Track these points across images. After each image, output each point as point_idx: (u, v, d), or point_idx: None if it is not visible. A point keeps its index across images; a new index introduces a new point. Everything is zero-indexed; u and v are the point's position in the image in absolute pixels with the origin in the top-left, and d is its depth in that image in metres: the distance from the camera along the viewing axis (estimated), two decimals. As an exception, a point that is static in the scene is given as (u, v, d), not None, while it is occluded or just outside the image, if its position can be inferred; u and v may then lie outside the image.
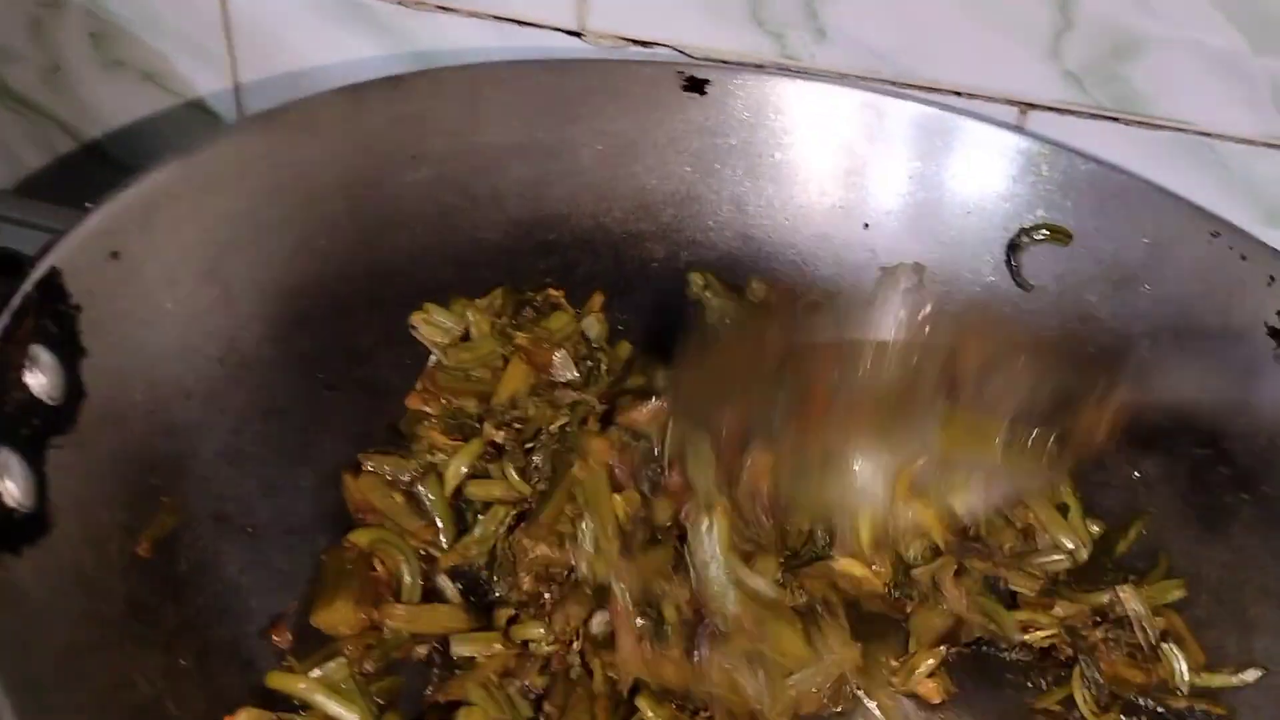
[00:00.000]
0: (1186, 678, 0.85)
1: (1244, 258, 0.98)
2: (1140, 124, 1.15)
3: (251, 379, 0.92)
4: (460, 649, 0.82)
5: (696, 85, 1.11)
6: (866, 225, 1.12)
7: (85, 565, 0.71)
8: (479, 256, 1.07)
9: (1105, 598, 0.90)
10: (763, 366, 0.88)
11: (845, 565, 0.87)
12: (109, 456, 0.79)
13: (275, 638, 0.80)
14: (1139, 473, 0.99)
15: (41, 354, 0.75)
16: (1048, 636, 0.87)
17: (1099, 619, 0.89)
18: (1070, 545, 0.93)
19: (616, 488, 0.88)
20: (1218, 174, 1.16)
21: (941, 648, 0.85)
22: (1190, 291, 1.00)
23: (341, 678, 0.76)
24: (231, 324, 0.92)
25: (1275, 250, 0.97)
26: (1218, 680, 0.85)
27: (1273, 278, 0.96)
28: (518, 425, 0.94)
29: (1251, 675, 0.85)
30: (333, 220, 1.00)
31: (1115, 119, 1.14)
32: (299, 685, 0.75)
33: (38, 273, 0.78)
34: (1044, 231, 1.07)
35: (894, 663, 0.85)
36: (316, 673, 0.76)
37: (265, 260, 0.95)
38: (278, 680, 0.76)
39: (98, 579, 0.72)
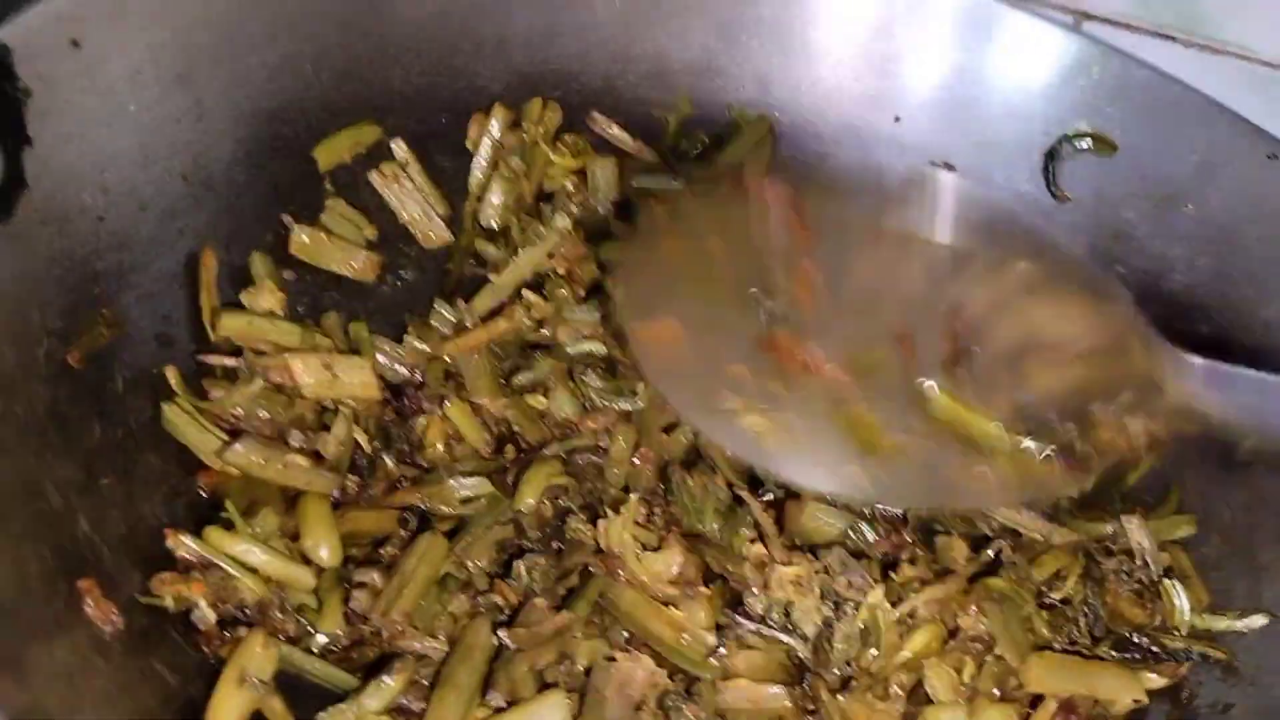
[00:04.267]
0: (1188, 617, 0.79)
1: (1302, 183, 0.90)
2: (1202, 47, 1.07)
3: (216, 201, 0.85)
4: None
5: (730, -50, 1.02)
6: (897, 118, 1.04)
7: (5, 364, 0.65)
8: (475, 106, 0.99)
9: (1109, 527, 0.84)
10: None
11: None
12: (48, 256, 0.72)
13: (202, 481, 0.74)
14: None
15: (-21, 134, 0.68)
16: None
17: (1111, 549, 0.83)
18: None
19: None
20: (1276, 104, 1.08)
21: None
22: (1237, 216, 0.93)
23: (272, 530, 0.70)
24: (200, 139, 0.85)
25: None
26: (1221, 623, 0.80)
27: (1331, 206, 0.88)
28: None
29: (1258, 621, 0.79)
30: (322, 45, 0.92)
31: (1175, 39, 1.07)
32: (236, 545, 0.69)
33: (-17, 46, 0.70)
34: (1087, 140, 0.99)
35: None
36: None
37: (244, 75, 0.87)
38: (214, 535, 0.69)
39: (18, 380, 0.66)
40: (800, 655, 0.73)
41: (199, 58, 0.84)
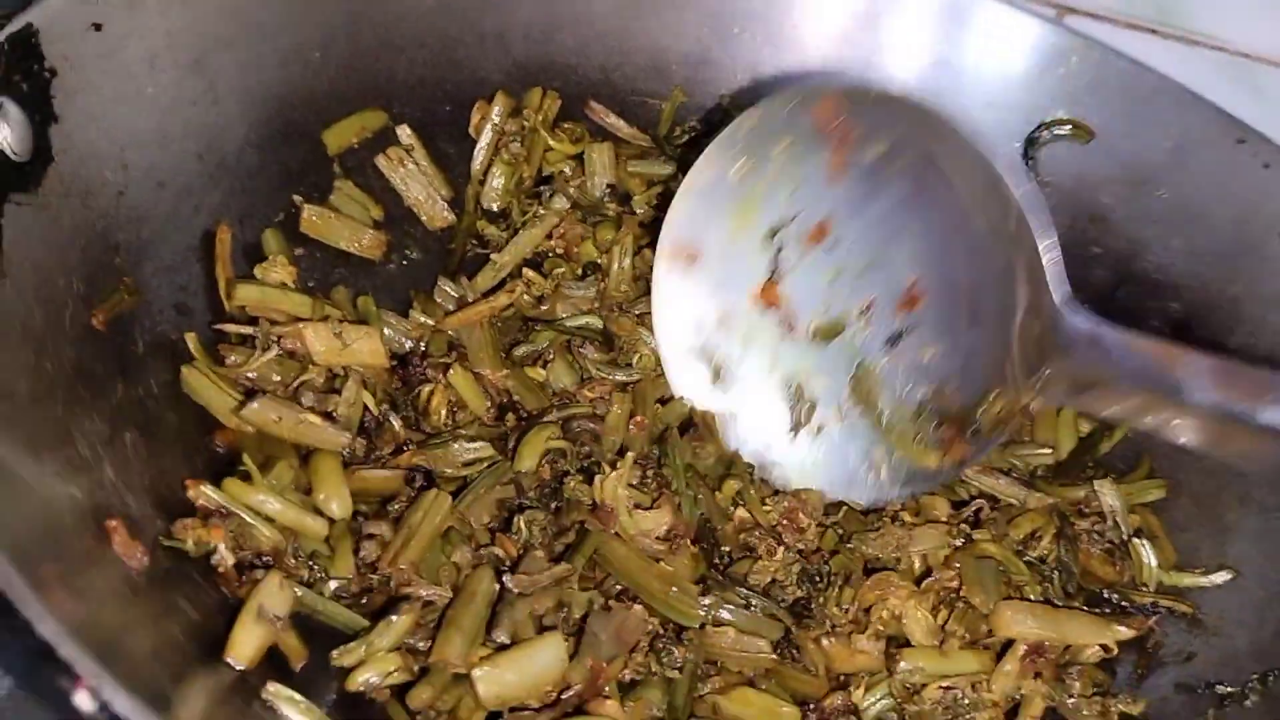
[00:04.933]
0: (1155, 573, 0.83)
1: (1267, 166, 0.94)
2: (1179, 39, 1.11)
3: (229, 181, 0.89)
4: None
5: (725, -56, 1.07)
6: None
7: (35, 322, 0.69)
8: (478, 95, 1.04)
9: (1082, 492, 0.88)
10: None
11: None
12: (72, 226, 0.76)
13: (219, 439, 0.77)
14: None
15: (10, 108, 0.72)
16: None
17: (1084, 511, 0.87)
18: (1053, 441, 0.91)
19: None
20: (1252, 97, 1.12)
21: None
22: (1207, 198, 0.97)
23: (287, 483, 0.74)
24: (214, 121, 0.89)
25: (1300, 160, 0.93)
26: (1187, 579, 0.83)
27: (1294, 186, 0.92)
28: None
29: (1221, 577, 0.82)
30: (330, 33, 0.96)
31: (1154, 30, 1.10)
32: (254, 495, 0.73)
33: (13, 27, 0.74)
34: (1066, 127, 1.03)
35: None
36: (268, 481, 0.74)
37: (256, 62, 0.91)
38: (232, 486, 0.73)
39: (47, 338, 0.69)
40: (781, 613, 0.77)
41: (213, 45, 0.88)
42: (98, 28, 0.80)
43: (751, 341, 0.86)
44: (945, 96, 1.05)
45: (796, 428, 0.85)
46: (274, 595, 0.67)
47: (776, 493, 0.84)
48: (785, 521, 0.80)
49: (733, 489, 0.82)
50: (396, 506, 0.78)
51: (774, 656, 0.75)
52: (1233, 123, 0.97)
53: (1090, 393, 0.73)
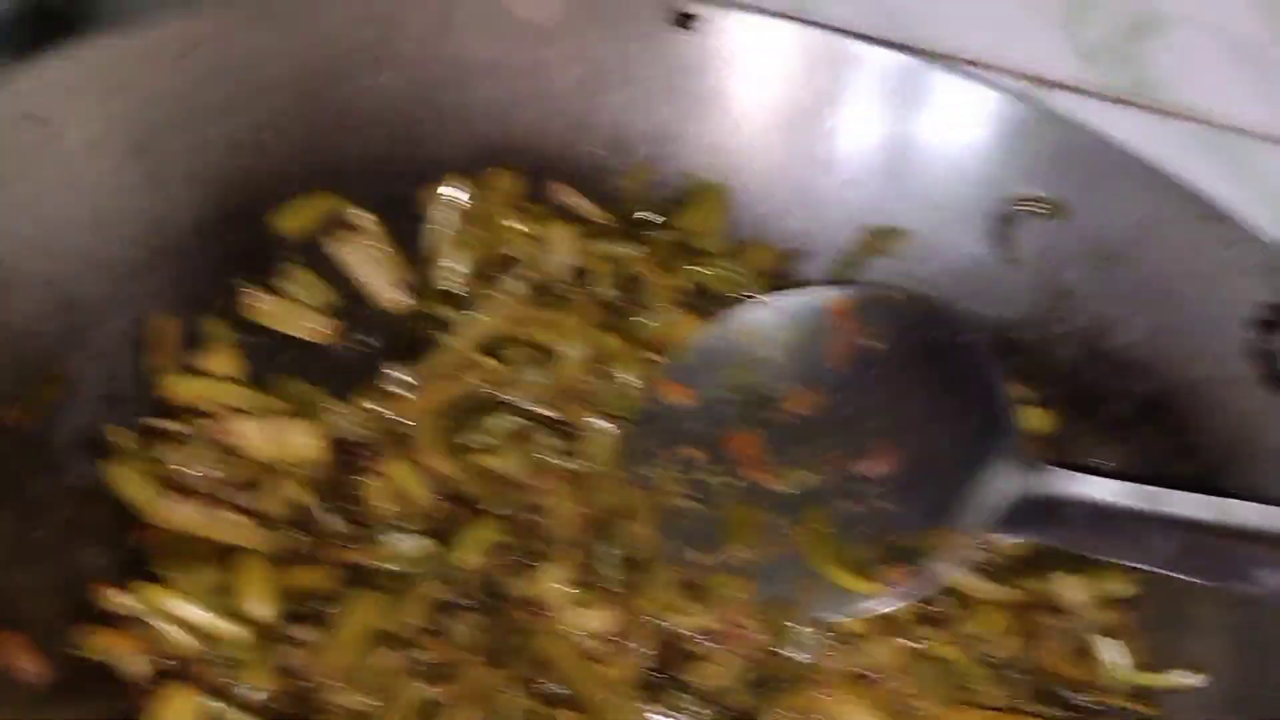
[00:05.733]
0: (1120, 675, 0.79)
1: (1229, 245, 0.92)
2: (1154, 110, 1.10)
3: (170, 266, 0.88)
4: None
5: (684, 21, 1.06)
6: (850, 183, 1.06)
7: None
8: (438, 174, 1.02)
9: (1051, 584, 0.84)
10: None
11: None
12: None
13: (141, 537, 0.75)
14: (1099, 462, 0.94)
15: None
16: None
17: (1053, 607, 0.84)
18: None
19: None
20: (1230, 168, 1.11)
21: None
22: (1172, 274, 0.95)
23: (207, 586, 0.71)
24: (157, 206, 0.87)
25: (1258, 239, 0.91)
26: (1156, 680, 0.80)
27: (1254, 266, 0.90)
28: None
29: (1188, 679, 0.79)
30: (282, 115, 0.95)
31: (1130, 103, 1.09)
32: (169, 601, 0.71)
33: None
34: (1039, 204, 1.01)
35: None
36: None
37: (203, 145, 0.90)
38: (146, 590, 0.71)
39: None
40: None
41: (158, 129, 0.87)
42: (34, 118, 0.80)
43: (715, 473, 0.88)
44: (908, 170, 1.04)
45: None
46: (178, 712, 0.64)
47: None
48: (727, 627, 0.77)
49: (663, 598, 0.79)
50: (328, 607, 0.75)
51: (717, 764, 0.72)
52: (1193, 199, 0.95)
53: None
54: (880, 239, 1.05)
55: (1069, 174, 1.00)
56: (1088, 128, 1.00)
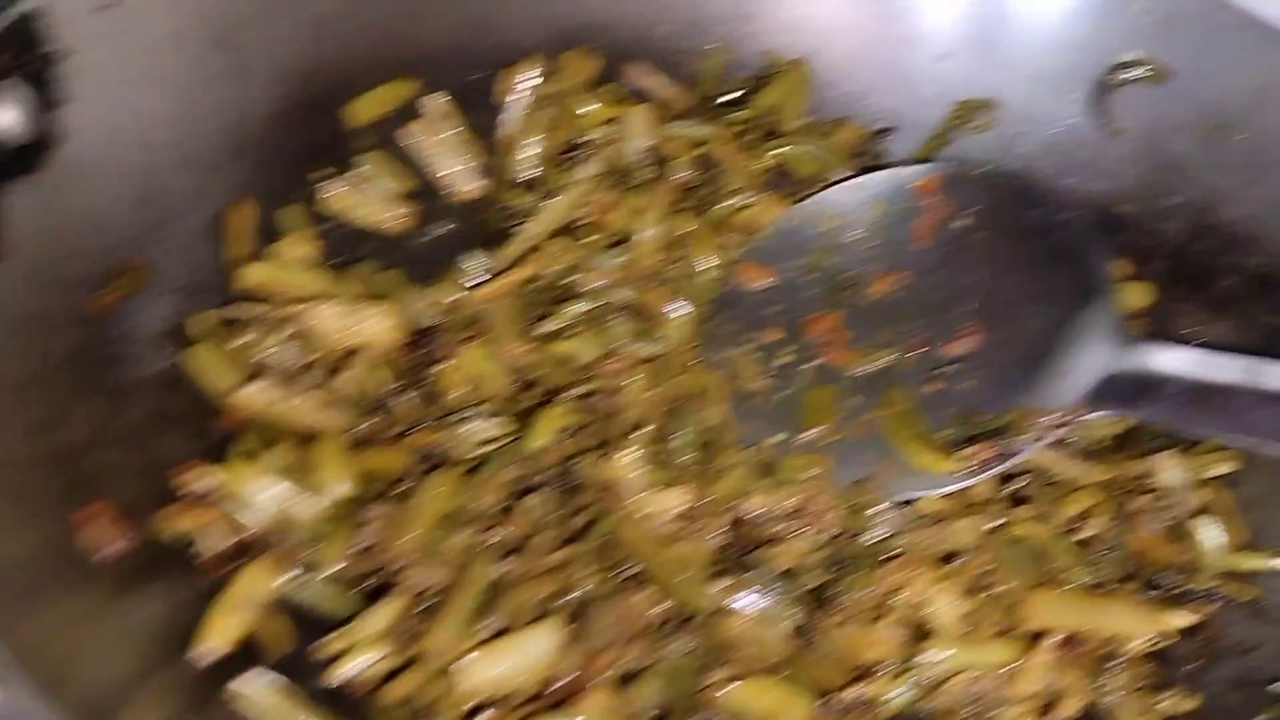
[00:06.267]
0: (1218, 556, 0.76)
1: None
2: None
3: (253, 157, 0.89)
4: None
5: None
6: (940, 56, 1.01)
7: (38, 305, 0.69)
8: (510, 60, 1.00)
9: (1144, 466, 0.81)
10: None
11: None
12: (83, 208, 0.76)
13: (223, 422, 0.77)
14: (1207, 337, 0.89)
15: (12, 90, 0.72)
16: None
17: (1146, 487, 0.81)
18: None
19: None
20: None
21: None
22: (1291, 144, 0.88)
23: (285, 465, 0.73)
24: (240, 97, 0.88)
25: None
26: (1253, 562, 0.76)
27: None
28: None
29: (1295, 560, 0.75)
30: (358, 5, 0.94)
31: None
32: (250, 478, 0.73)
33: (22, 7, 0.74)
34: (1140, 68, 0.95)
35: None
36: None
37: (284, 35, 0.90)
38: (228, 469, 0.73)
39: (48, 323, 0.70)
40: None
41: (239, 19, 0.87)
42: (113, 6, 0.80)
43: (795, 355, 0.87)
44: (1007, 40, 0.99)
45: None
46: (256, 582, 0.66)
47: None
48: (804, 508, 0.75)
49: (737, 480, 0.78)
50: (404, 488, 0.77)
51: (790, 645, 0.71)
52: (1316, 60, 0.88)
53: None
54: (971, 112, 1.00)
55: (1176, 36, 0.93)
56: (1198, -15, 0.94)
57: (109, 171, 0.79)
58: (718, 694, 0.70)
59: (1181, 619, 0.73)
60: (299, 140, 0.92)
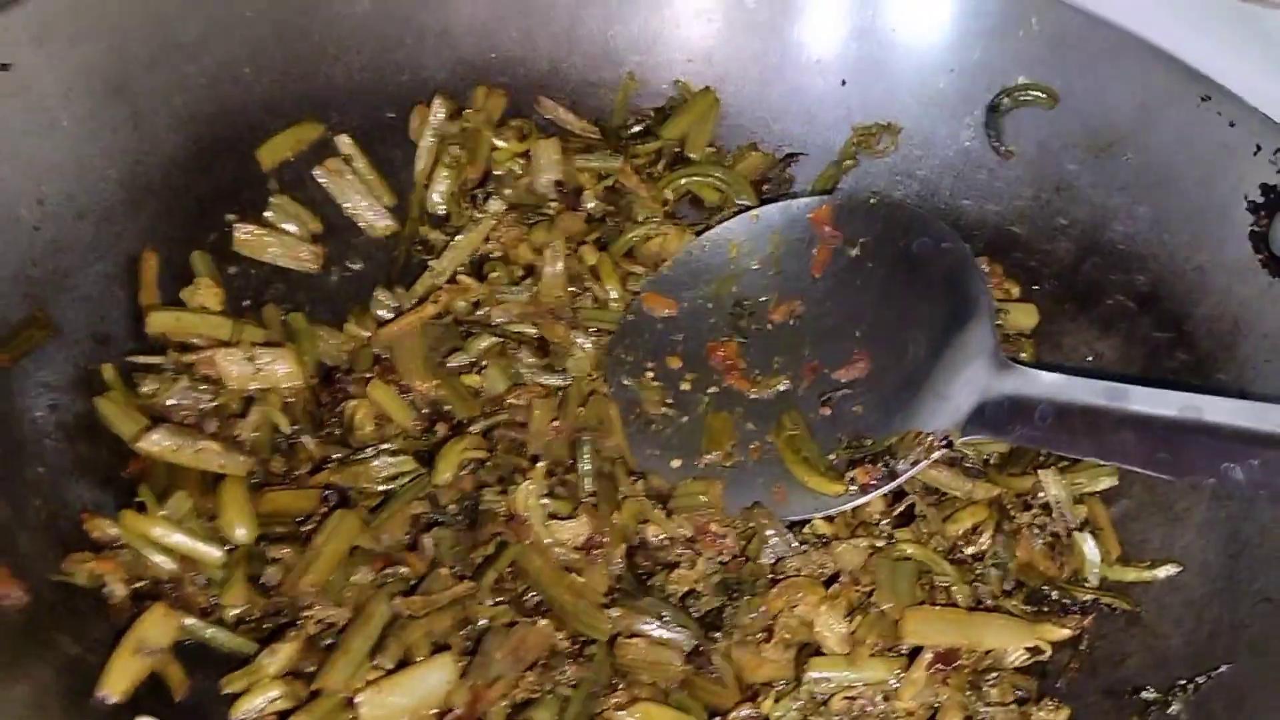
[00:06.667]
0: (1097, 570, 0.78)
1: (1232, 124, 0.88)
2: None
3: (155, 204, 0.90)
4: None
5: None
6: (844, 82, 1.04)
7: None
8: (421, 98, 1.02)
9: (1030, 482, 0.84)
10: None
11: None
12: (-19, 267, 0.77)
13: (131, 469, 0.78)
14: (1094, 354, 0.92)
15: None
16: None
17: (1029, 503, 0.83)
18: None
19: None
20: (1261, 47, 1.05)
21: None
22: (1173, 159, 0.91)
23: (185, 511, 0.74)
24: (138, 146, 0.89)
25: (1265, 117, 0.87)
26: (1131, 574, 0.79)
27: (1259, 146, 0.86)
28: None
29: (1166, 571, 0.78)
30: (259, 46, 0.96)
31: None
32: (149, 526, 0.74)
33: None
34: (1030, 92, 0.97)
35: None
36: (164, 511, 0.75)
37: (180, 83, 0.91)
38: (128, 517, 0.74)
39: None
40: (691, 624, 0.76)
41: (133, 69, 0.88)
42: (4, 68, 0.82)
43: (694, 383, 0.89)
44: (906, 65, 1.01)
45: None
46: (156, 627, 0.67)
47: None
48: (699, 534, 0.78)
49: (633, 509, 0.80)
50: (309, 527, 0.78)
51: (685, 668, 0.73)
52: (1195, 78, 0.91)
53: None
54: (872, 137, 1.03)
55: (1067, 59, 0.96)
56: (1083, 10, 0.96)
57: (7, 229, 0.80)
58: (612, 718, 0.71)
59: (1056, 633, 0.75)
60: (206, 184, 0.93)
